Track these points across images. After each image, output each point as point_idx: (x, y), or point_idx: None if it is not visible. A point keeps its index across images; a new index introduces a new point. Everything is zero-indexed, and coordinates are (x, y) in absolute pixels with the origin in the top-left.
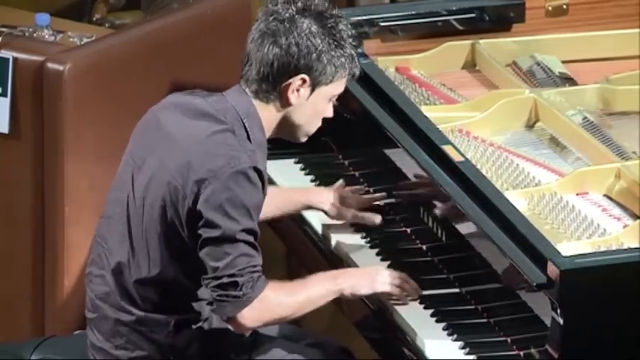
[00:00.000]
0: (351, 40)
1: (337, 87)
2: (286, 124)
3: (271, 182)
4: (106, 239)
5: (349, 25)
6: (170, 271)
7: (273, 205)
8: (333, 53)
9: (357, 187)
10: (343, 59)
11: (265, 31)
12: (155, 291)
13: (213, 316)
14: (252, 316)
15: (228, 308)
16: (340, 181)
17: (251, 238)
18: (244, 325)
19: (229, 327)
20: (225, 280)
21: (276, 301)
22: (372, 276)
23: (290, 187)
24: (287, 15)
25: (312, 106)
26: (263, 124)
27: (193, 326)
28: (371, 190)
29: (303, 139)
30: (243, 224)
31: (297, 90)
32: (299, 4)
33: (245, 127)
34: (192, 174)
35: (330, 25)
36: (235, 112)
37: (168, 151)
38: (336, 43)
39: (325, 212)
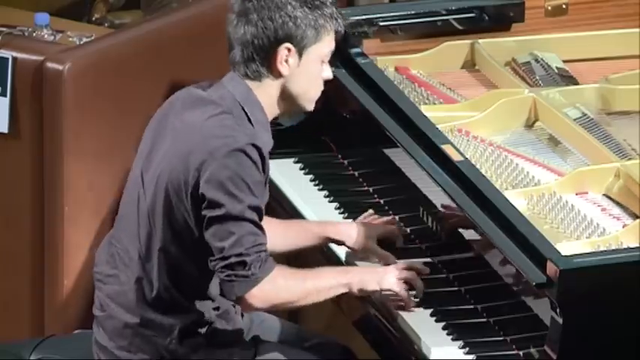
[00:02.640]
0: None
1: (325, 45)
2: (289, 97)
3: (272, 182)
4: (120, 239)
5: None
6: (181, 263)
7: (290, 238)
8: (310, 16)
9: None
10: (322, 20)
11: (239, 11)
12: (166, 288)
13: (217, 323)
14: (260, 295)
15: (236, 288)
16: (369, 211)
17: (255, 217)
18: (252, 304)
19: (230, 331)
20: (232, 259)
21: (285, 285)
22: (380, 273)
23: (290, 186)
24: None
25: (305, 72)
26: (263, 105)
27: (198, 330)
28: (369, 187)
29: (310, 107)
30: (247, 201)
31: (286, 60)
32: None
33: (245, 111)
34: (192, 161)
35: None
36: (233, 97)
37: (171, 143)
38: (310, 5)
39: (349, 247)
